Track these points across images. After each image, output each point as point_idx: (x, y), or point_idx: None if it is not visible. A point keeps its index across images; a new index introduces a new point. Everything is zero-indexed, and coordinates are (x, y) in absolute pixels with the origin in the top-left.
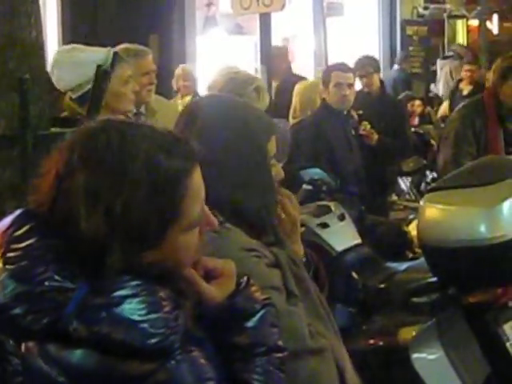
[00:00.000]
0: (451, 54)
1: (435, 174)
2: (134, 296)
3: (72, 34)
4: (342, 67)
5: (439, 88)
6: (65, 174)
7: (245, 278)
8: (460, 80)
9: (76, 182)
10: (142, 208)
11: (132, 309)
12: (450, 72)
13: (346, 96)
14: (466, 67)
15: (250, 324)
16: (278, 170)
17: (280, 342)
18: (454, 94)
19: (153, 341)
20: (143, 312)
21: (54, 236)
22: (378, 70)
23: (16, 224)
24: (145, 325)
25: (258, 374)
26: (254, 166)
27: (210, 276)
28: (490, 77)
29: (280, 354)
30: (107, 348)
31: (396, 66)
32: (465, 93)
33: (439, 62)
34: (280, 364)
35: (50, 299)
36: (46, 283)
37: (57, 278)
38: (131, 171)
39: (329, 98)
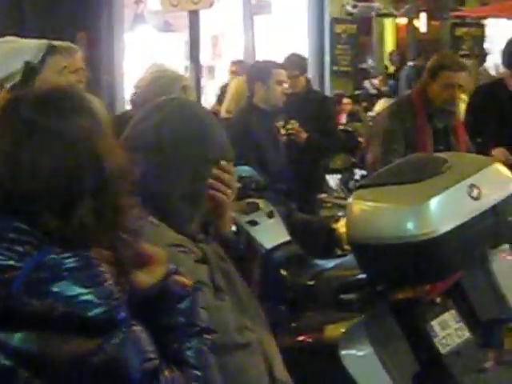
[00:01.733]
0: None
1: (364, 172)
2: (79, 269)
3: None
4: (280, 65)
5: None
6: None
7: (173, 265)
8: None
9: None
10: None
11: (78, 281)
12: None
13: (284, 93)
14: None
15: (182, 306)
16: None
17: (209, 325)
18: None
19: (98, 310)
20: (88, 284)
21: None
22: (304, 71)
23: None
24: (90, 296)
25: (193, 353)
26: (191, 172)
27: (142, 261)
28: None
29: (210, 336)
30: (55, 323)
31: (410, 63)
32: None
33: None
34: (210, 344)
35: None
36: None
37: (1, 257)
38: None
39: (267, 94)
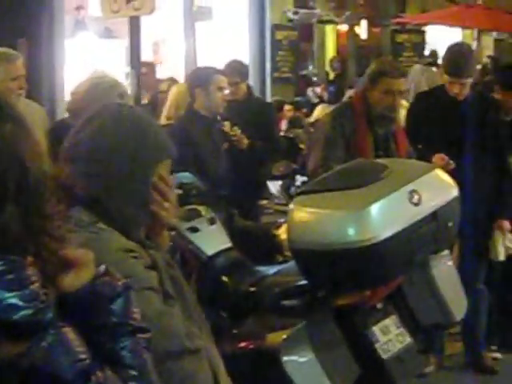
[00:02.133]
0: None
1: (305, 178)
2: (3, 273)
3: None
4: (221, 71)
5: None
6: None
7: (103, 266)
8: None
9: None
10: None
11: (2, 285)
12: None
13: (225, 100)
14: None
15: (114, 306)
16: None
17: (143, 324)
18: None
19: (24, 313)
20: (13, 287)
21: None
22: (245, 77)
23: None
24: (15, 299)
25: (127, 353)
26: (133, 176)
27: (68, 266)
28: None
29: (145, 335)
30: None
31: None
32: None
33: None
34: (146, 344)
35: None
36: None
37: None
38: None
39: (207, 101)
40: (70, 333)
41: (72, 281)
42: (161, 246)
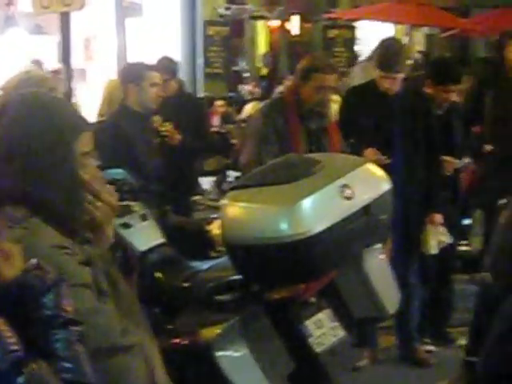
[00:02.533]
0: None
1: (238, 173)
2: None
3: None
4: (152, 67)
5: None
6: None
7: (34, 260)
8: None
9: None
10: None
11: None
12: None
13: (159, 96)
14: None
15: (45, 299)
16: (92, 171)
17: (75, 317)
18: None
19: None
20: None
21: None
22: (174, 74)
23: None
24: None
25: (60, 344)
26: (57, 161)
27: (2, 256)
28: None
29: (77, 328)
30: None
31: None
32: None
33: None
34: (79, 336)
35: None
36: None
37: None
38: None
39: (140, 96)
40: (1, 324)
41: (9, 270)
42: (102, 241)
